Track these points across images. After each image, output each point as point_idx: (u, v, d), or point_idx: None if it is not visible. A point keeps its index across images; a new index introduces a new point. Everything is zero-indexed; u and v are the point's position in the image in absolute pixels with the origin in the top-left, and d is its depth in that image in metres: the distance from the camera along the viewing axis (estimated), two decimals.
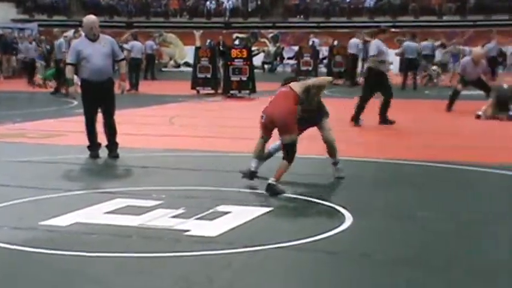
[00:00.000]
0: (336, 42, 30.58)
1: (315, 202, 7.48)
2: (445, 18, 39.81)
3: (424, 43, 28.06)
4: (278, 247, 5.83)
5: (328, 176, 8.95)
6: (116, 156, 10.23)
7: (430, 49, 28.25)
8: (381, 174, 9.41)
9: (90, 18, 10.36)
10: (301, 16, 42.57)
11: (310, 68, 29.03)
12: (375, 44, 14.48)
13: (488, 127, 14.23)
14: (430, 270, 5.35)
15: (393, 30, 36.25)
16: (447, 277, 5.20)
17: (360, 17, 40.77)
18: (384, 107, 14.19)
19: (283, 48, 40.89)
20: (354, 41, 26.78)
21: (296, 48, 34.44)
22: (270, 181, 7.87)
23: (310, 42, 33.39)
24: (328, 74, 27.96)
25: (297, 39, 39.58)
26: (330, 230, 6.33)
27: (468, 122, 15.04)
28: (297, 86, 8.28)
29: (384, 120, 14.10)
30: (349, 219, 6.71)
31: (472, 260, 5.66)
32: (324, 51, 33.86)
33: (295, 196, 7.74)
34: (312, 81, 8.60)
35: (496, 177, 9.01)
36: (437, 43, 29.99)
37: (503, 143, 12.06)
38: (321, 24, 41.04)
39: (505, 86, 16.02)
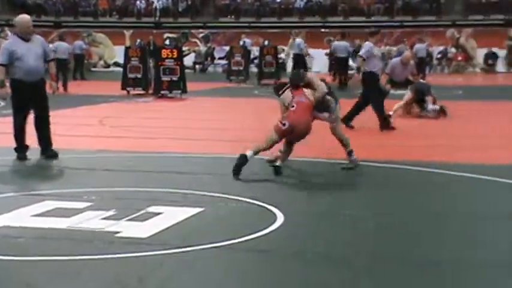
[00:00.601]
0: (266, 42, 30.71)
1: (246, 202, 7.50)
2: (373, 18, 40.41)
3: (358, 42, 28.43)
4: (210, 247, 5.84)
5: (260, 176, 8.99)
6: (54, 155, 10.11)
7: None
8: (313, 173, 9.49)
9: (25, 17, 10.16)
10: (232, 16, 42.65)
11: (241, 68, 29.11)
12: (367, 46, 14.20)
13: (410, 125, 14.51)
14: (359, 268, 5.43)
15: (323, 30, 36.74)
16: (375, 274, 5.30)
17: (290, 17, 41.09)
18: (358, 110, 14.03)
19: (214, 49, 40.87)
20: (344, 44, 26.79)
21: (227, 48, 34.48)
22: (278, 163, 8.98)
23: (241, 42, 33.48)
24: (259, 74, 28.14)
25: (228, 40, 39.63)
26: (262, 229, 6.36)
27: (398, 121, 15.30)
28: (311, 96, 9.13)
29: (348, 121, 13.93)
30: (280, 219, 6.76)
31: (399, 257, 5.75)
32: (255, 51, 33.99)
33: (227, 196, 7.74)
34: (318, 93, 9.24)
35: (427, 176, 9.19)
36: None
37: (431, 141, 12.31)
38: (252, 25, 41.19)
39: (422, 81, 16.45)
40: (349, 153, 9.41)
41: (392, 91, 15.32)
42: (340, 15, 40.94)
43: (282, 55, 33.47)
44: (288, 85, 9.33)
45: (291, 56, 34.33)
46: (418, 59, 29.12)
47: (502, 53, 35.80)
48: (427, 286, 5.08)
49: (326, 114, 9.37)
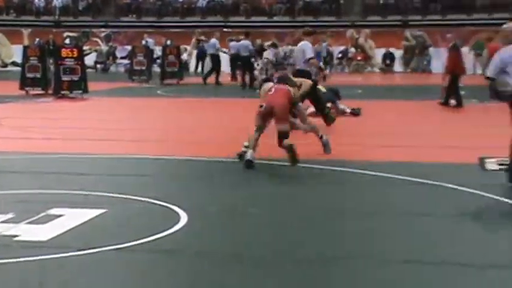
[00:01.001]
0: (169, 42, 30.57)
1: (149, 202, 7.46)
2: (275, 18, 40.84)
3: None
4: (113, 249, 5.79)
5: (163, 176, 8.97)
6: None
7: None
8: (217, 172, 9.53)
9: None
10: (134, 15, 42.25)
11: (144, 68, 28.88)
12: (307, 45, 13.88)
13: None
14: (260, 265, 5.51)
15: (225, 30, 36.83)
16: (278, 271, 5.38)
17: (192, 17, 41.03)
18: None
19: (115, 48, 40.37)
20: (246, 43, 26.69)
21: (129, 47, 34.13)
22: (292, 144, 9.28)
23: (144, 42, 33.20)
24: (162, 74, 27.98)
25: (130, 39, 39.21)
26: (165, 230, 6.36)
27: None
28: (293, 91, 9.87)
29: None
30: (184, 219, 6.77)
31: (303, 254, 5.85)
32: (157, 50, 33.78)
33: (129, 197, 7.69)
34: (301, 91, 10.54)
35: (330, 174, 9.37)
36: (268, 43, 30.69)
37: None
38: (154, 24, 40.90)
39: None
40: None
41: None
42: (242, 14, 41.16)
43: (185, 55, 33.37)
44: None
45: (194, 55, 34.37)
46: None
47: (398, 53, 36.80)
48: (334, 282, 5.19)
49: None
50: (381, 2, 40.58)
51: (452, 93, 17.78)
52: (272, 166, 9.73)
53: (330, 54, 34.94)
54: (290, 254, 5.83)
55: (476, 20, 36.51)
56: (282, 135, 9.41)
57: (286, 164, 9.55)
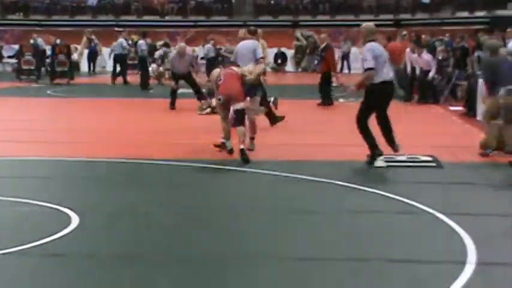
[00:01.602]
0: (58, 41, 29.98)
1: (39, 205, 7.35)
2: (167, 18, 40.70)
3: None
4: (2, 253, 5.69)
5: (55, 178, 8.86)
6: None
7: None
8: (108, 173, 9.46)
9: None
10: (21, 14, 41.16)
11: (33, 67, 28.24)
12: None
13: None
14: (152, 265, 5.53)
15: (116, 29, 36.40)
16: (167, 271, 5.42)
17: (83, 16, 40.36)
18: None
19: (2, 47, 39.22)
20: (143, 42, 26.16)
21: (16, 46, 33.25)
22: (241, 147, 9.97)
23: (32, 41, 32.40)
24: (52, 73, 27.42)
25: (17, 38, 38.20)
26: (56, 232, 6.29)
27: (192, 119, 15.57)
28: (239, 70, 10.55)
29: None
30: (75, 221, 6.70)
31: (189, 252, 5.93)
32: (47, 50, 33.05)
33: (19, 200, 7.55)
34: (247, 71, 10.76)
35: (224, 173, 9.47)
36: (160, 43, 30.56)
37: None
38: (42, 23, 40.00)
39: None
40: (252, 138, 10.80)
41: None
42: (133, 14, 40.81)
43: (75, 55, 32.79)
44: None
45: (85, 54, 33.83)
46: (207, 59, 29.92)
47: (290, 53, 37.36)
48: (226, 282, 5.28)
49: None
50: (272, 2, 41.11)
51: (322, 92, 18.32)
52: (169, 167, 9.73)
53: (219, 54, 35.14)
54: (182, 254, 5.88)
55: (363, 20, 37.43)
56: (239, 113, 10.26)
57: (182, 164, 9.60)
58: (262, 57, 13.61)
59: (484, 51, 12.45)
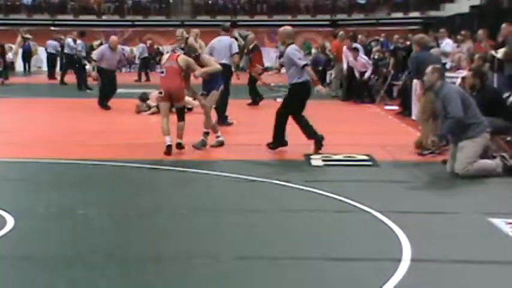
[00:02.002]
0: None
1: None
2: (104, 17, 40.33)
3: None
4: None
5: None
6: None
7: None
8: (43, 174, 9.34)
9: None
10: None
11: None
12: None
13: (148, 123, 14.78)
14: (90, 267, 5.50)
15: (52, 28, 35.91)
16: (106, 272, 5.39)
17: (17, 14, 39.69)
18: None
19: None
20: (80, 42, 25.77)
21: None
22: (179, 141, 10.63)
23: None
24: None
25: None
26: None
27: (130, 119, 15.48)
28: (181, 61, 10.69)
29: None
30: (10, 222, 6.61)
31: (128, 252, 5.91)
32: None
33: None
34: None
35: (159, 173, 9.45)
36: (97, 42, 30.27)
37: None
38: None
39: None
40: (206, 133, 11.02)
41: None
42: (70, 13, 40.31)
43: (10, 54, 32.21)
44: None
45: (20, 54, 33.26)
46: (141, 59, 29.97)
47: None
48: (165, 282, 5.27)
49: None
50: (210, 2, 41.10)
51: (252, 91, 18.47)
52: (105, 167, 9.65)
53: (159, 52, 34.98)
54: (119, 255, 5.84)
55: (300, 20, 37.82)
56: (180, 111, 10.80)
57: (119, 164, 9.54)
58: (237, 53, 14.56)
59: (413, 47, 12.59)
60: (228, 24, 15.84)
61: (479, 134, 9.05)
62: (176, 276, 5.38)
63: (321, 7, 40.03)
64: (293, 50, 10.55)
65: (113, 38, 17.93)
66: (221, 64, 13.94)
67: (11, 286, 5.13)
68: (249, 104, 18.47)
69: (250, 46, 19.44)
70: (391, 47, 21.24)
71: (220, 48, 14.26)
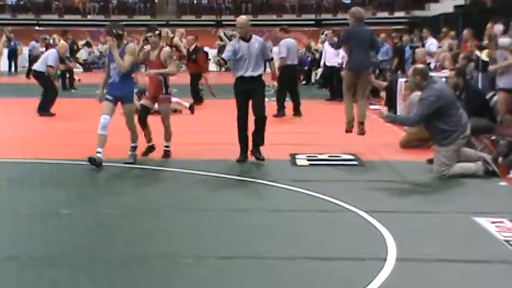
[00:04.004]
0: None
1: None
2: (89, 17, 40.19)
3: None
4: None
5: None
6: None
7: None
8: (25, 175, 9.27)
9: None
10: None
11: None
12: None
13: None
14: (74, 267, 5.47)
15: (37, 28, 35.75)
16: (89, 272, 5.37)
17: (2, 14, 39.49)
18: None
19: None
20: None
21: None
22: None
23: None
24: None
25: None
26: None
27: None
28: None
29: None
30: None
31: (112, 252, 5.89)
32: None
33: None
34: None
35: (135, 172, 9.43)
36: (82, 42, 30.19)
37: None
38: None
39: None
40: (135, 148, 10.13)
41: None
42: (54, 13, 40.15)
43: None
44: None
45: (5, 54, 33.05)
46: None
47: (213, 52, 37.35)
48: (148, 282, 5.26)
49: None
50: (195, 2, 41.06)
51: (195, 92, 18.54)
52: (86, 167, 9.60)
53: None
54: (103, 255, 5.82)
55: (286, 20, 37.84)
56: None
57: (108, 164, 9.51)
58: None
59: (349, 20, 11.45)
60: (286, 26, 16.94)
61: (453, 142, 9.00)
62: (161, 276, 5.35)
63: (306, 7, 40.09)
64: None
65: (63, 44, 17.83)
66: (292, 65, 14.93)
67: None
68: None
69: (191, 48, 19.27)
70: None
71: (294, 49, 15.93)
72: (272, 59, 10.53)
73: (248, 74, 10.01)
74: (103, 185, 8.78)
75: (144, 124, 10.24)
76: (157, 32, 10.29)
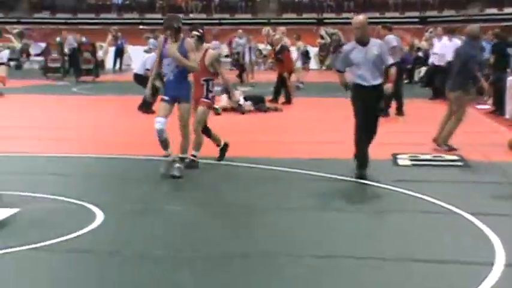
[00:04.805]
0: (84, 39, 30.15)
1: (65, 201, 7.38)
2: (191, 16, 40.77)
3: None
4: (28, 248, 5.72)
5: (79, 174, 8.88)
6: None
7: None
8: (131, 170, 9.47)
9: None
10: (48, 12, 41.48)
11: (59, 65, 28.42)
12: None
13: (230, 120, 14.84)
14: (176, 262, 5.53)
15: (141, 27, 36.53)
16: (192, 268, 5.40)
17: (108, 14, 40.59)
18: None
19: (29, 45, 39.54)
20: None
21: (43, 44, 33.50)
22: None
23: (58, 39, 32.60)
24: (77, 71, 27.58)
25: (44, 36, 38.51)
26: (81, 229, 6.30)
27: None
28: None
29: None
30: (100, 217, 6.72)
31: (213, 249, 5.90)
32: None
33: (44, 196, 7.58)
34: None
35: (250, 171, 9.44)
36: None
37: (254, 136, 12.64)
38: (68, 21, 40.28)
39: None
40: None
41: None
42: (158, 12, 40.94)
43: (101, 52, 32.96)
44: None
45: (111, 52, 33.96)
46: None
47: (314, 50, 37.21)
48: (247, 279, 5.25)
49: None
50: (296, 0, 41.06)
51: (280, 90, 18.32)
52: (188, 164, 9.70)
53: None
54: (205, 251, 5.85)
55: (389, 18, 37.32)
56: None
57: (205, 161, 9.58)
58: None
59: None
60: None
61: None
62: (260, 273, 5.34)
63: (410, 4, 39.41)
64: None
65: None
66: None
67: (98, 280, 5.20)
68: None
69: (277, 47, 19.04)
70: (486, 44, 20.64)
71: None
72: (393, 65, 9.05)
73: (367, 83, 8.78)
74: (200, 182, 8.83)
75: (207, 133, 9.79)
76: (196, 33, 9.50)
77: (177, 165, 8.69)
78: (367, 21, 8.90)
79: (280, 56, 18.72)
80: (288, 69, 18.73)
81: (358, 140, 8.80)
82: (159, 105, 9.12)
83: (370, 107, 8.80)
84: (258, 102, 16.56)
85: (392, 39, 15.64)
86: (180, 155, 8.86)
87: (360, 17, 9.03)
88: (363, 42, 8.82)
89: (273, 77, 19.81)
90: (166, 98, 8.90)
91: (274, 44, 19.37)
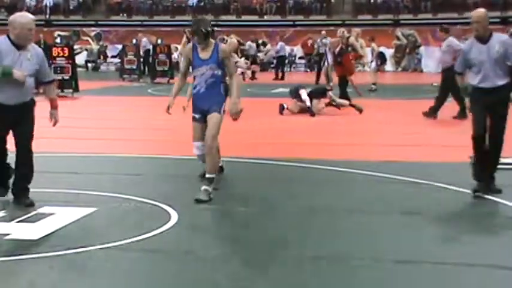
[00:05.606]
0: (160, 41, 30.55)
1: (140, 201, 7.46)
2: (266, 17, 40.89)
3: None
4: (103, 248, 5.79)
5: (154, 175, 8.96)
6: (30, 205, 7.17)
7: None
8: (194, 171, 9.47)
9: None
10: (124, 14, 42.23)
11: (135, 67, 28.88)
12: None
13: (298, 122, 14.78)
14: (250, 264, 5.51)
15: (216, 29, 36.76)
16: (266, 270, 5.38)
17: (183, 16, 41.02)
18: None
19: (106, 47, 40.35)
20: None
21: (120, 46, 34.11)
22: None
23: (134, 41, 33.14)
24: (152, 72, 27.96)
25: (121, 38, 39.22)
26: (156, 228, 6.36)
27: (275, 119, 15.55)
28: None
29: None
30: (174, 217, 6.77)
31: (287, 252, 5.85)
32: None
33: (120, 196, 7.68)
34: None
35: (310, 172, 9.39)
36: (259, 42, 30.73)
37: (323, 139, 12.56)
38: (145, 23, 40.92)
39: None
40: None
41: None
42: (233, 14, 41.19)
43: (176, 54, 33.34)
44: None
45: None
46: (278, 57, 30.32)
47: (389, 52, 36.82)
48: (325, 282, 5.20)
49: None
50: (372, 1, 40.67)
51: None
52: (263, 165, 9.71)
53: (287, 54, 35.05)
54: (279, 253, 5.82)
55: (468, 18, 36.58)
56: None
57: (276, 163, 9.56)
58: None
59: None
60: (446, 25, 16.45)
61: None
62: (334, 277, 5.28)
63: (490, 4, 38.50)
64: None
65: (233, 41, 17.92)
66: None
67: (172, 280, 5.23)
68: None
69: (337, 49, 18.75)
70: None
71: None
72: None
73: (488, 84, 7.87)
74: (272, 184, 8.80)
75: None
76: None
77: (204, 187, 7.61)
78: (487, 15, 7.99)
79: (340, 59, 18.52)
80: (348, 72, 18.53)
81: (479, 159, 7.95)
82: (192, 127, 8.04)
83: (494, 113, 7.86)
84: (322, 93, 16.53)
85: (454, 42, 15.31)
86: (208, 175, 7.72)
87: (481, 10, 8.15)
88: (482, 39, 7.95)
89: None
90: (196, 116, 7.92)
91: (333, 47, 19.23)
